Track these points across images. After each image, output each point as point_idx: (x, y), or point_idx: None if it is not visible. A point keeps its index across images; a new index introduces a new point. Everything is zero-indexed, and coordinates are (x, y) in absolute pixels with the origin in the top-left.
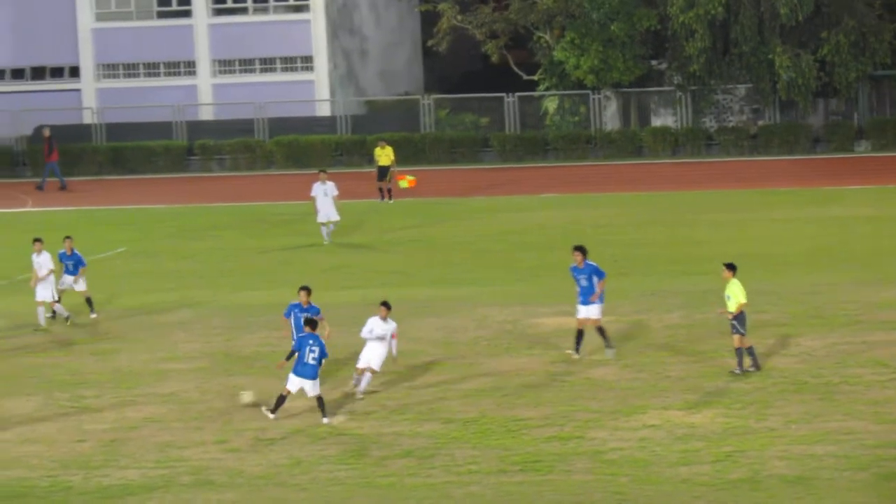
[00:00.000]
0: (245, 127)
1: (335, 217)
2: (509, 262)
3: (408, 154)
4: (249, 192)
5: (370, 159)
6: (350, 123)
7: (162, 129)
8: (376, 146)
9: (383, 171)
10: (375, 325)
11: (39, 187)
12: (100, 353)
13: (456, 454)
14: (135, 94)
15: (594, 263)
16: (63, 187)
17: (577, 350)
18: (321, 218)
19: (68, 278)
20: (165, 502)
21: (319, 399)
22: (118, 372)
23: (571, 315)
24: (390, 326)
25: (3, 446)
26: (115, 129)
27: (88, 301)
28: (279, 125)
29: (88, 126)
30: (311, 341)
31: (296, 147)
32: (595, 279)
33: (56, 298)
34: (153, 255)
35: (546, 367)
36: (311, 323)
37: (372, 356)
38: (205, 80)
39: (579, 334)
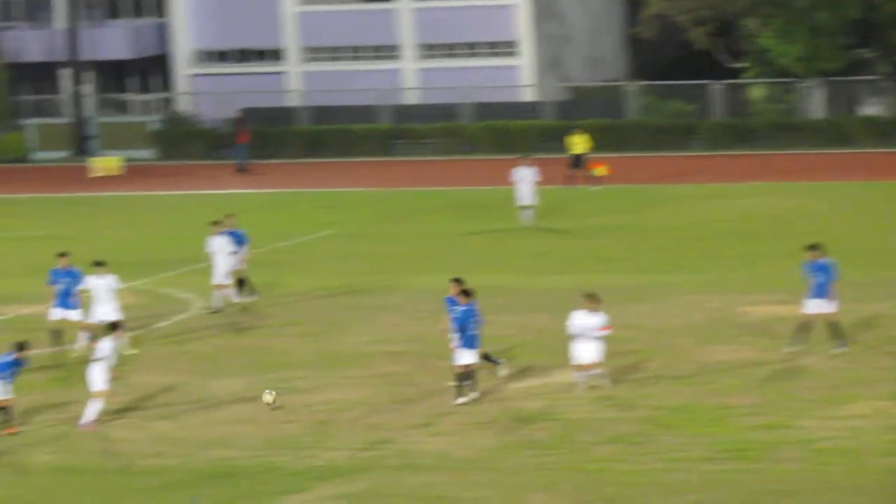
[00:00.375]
0: (450, 111)
1: (533, 201)
2: (715, 249)
3: (611, 141)
4: (454, 176)
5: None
6: (554, 109)
7: (366, 112)
8: (571, 133)
9: (578, 159)
10: (580, 319)
11: (240, 169)
12: (307, 335)
13: (663, 441)
14: (339, 77)
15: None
16: (241, 169)
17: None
18: (521, 202)
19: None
20: (372, 484)
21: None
22: (326, 354)
23: (780, 304)
24: (595, 320)
25: (213, 426)
26: (318, 113)
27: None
28: (484, 110)
29: (292, 109)
30: (470, 313)
31: (500, 132)
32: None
33: (229, 282)
34: (359, 238)
35: (754, 356)
36: (467, 293)
37: (586, 350)
38: (409, 65)
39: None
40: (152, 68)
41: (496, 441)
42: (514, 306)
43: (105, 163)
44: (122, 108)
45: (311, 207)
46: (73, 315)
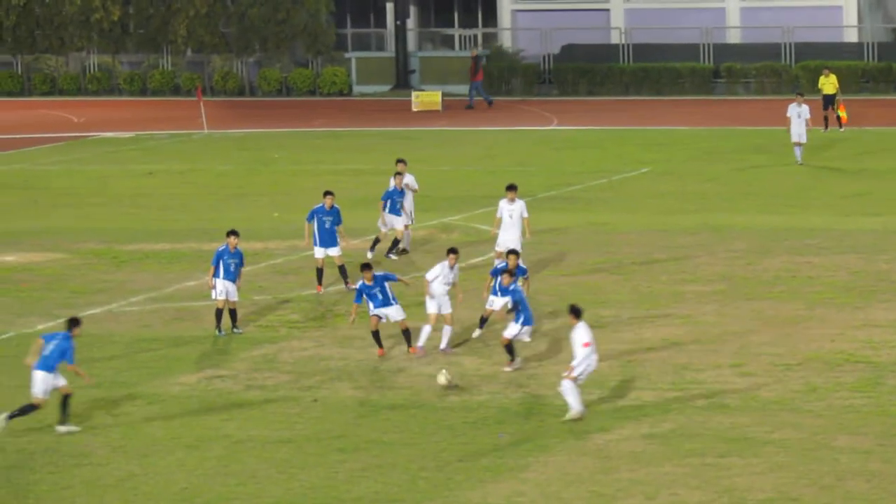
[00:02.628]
0: (771, 51)
1: (804, 139)
2: None
3: None
4: (774, 116)
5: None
6: (877, 50)
7: (688, 51)
8: (821, 74)
9: (828, 100)
10: None
11: (469, 106)
12: (619, 272)
13: None
14: (662, 15)
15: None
16: (490, 104)
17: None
18: (794, 138)
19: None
20: (678, 424)
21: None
22: (636, 292)
23: None
24: None
25: (522, 364)
26: (641, 50)
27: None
28: (805, 50)
29: (616, 46)
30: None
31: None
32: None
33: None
34: (677, 176)
35: None
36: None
37: None
38: (733, 3)
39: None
40: (475, 3)
41: (804, 383)
42: (826, 247)
43: (426, 97)
44: (443, 42)
45: (631, 144)
46: (334, 251)
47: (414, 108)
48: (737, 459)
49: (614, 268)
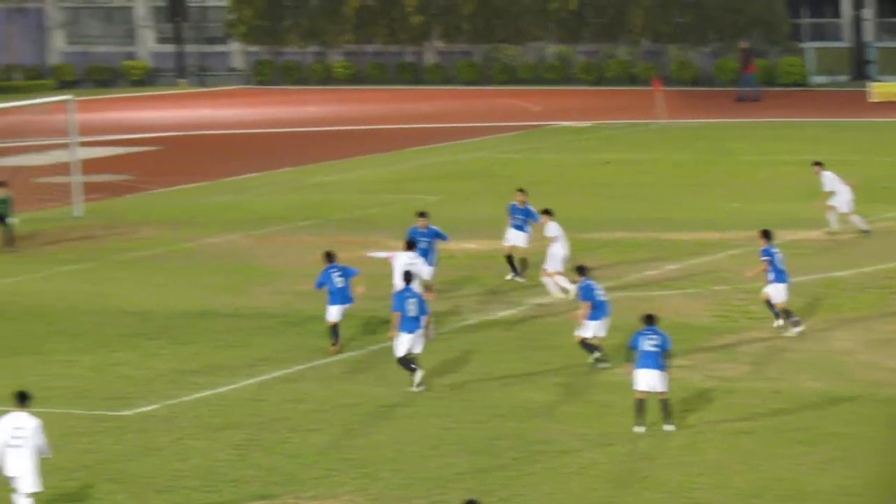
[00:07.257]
0: None
1: None
2: None
3: None
4: None
5: None
6: None
7: None
8: None
9: None
10: None
11: (739, 98)
12: None
13: None
14: None
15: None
16: (741, 99)
17: None
18: None
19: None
20: None
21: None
22: None
23: None
24: None
25: None
26: None
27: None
28: None
29: None
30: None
31: None
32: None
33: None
34: None
35: None
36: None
37: None
38: None
39: None
40: None
41: None
42: None
43: (883, 88)
44: None
45: None
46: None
47: (869, 100)
48: None
49: None
